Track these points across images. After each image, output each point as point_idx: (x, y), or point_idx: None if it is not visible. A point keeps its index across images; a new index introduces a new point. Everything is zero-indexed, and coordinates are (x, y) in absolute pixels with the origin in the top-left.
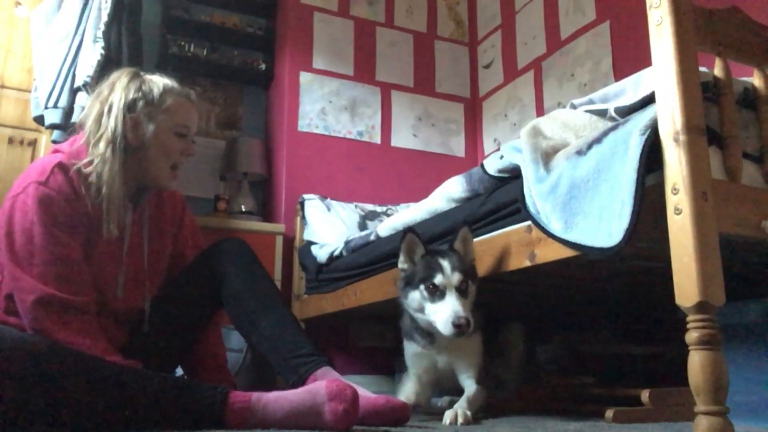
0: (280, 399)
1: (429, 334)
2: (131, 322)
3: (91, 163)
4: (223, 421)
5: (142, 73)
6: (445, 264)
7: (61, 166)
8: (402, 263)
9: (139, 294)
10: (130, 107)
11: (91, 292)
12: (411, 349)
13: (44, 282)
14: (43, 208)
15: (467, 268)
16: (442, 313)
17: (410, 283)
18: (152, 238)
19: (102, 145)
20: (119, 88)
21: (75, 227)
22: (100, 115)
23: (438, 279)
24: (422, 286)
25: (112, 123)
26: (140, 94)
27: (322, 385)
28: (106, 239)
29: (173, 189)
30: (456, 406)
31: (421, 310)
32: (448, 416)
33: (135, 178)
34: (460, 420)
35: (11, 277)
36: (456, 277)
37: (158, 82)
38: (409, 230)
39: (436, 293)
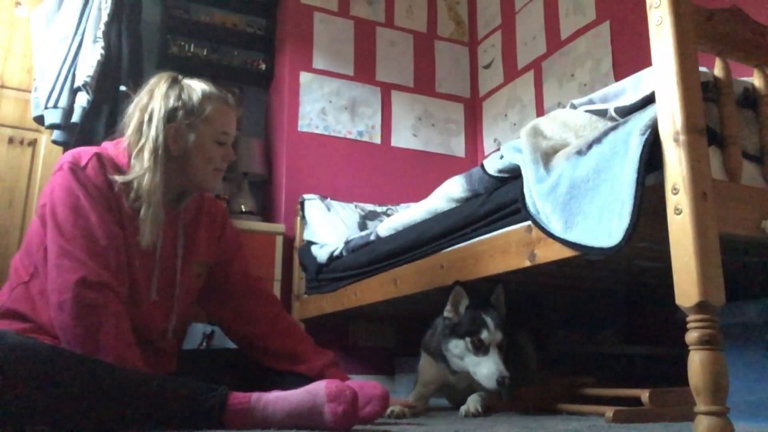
0: (280, 400)
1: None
2: (156, 333)
3: (131, 169)
4: (223, 421)
5: (180, 78)
6: (490, 321)
7: (99, 157)
8: (447, 312)
9: (169, 301)
10: (170, 117)
11: (125, 285)
12: (428, 362)
13: (89, 255)
14: (82, 185)
15: (505, 325)
16: (486, 369)
17: (455, 331)
18: (186, 245)
19: (145, 155)
20: (158, 96)
21: (110, 214)
22: (141, 124)
23: (484, 335)
24: (468, 339)
25: (153, 132)
26: (180, 102)
27: (321, 386)
28: (137, 241)
29: (216, 194)
30: (469, 400)
31: (461, 357)
32: (462, 410)
33: (177, 184)
34: (472, 412)
35: (58, 252)
36: (499, 336)
37: (197, 88)
38: (457, 283)
39: (481, 348)
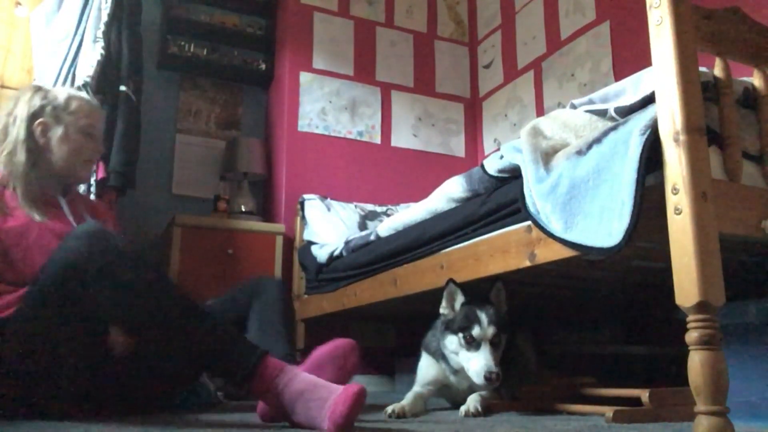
0: (307, 377)
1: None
2: None
3: (4, 169)
4: (257, 371)
5: (44, 87)
6: (483, 317)
7: None
8: (443, 308)
9: None
10: (36, 114)
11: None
12: (429, 363)
13: None
14: None
15: (501, 322)
16: (476, 364)
17: (449, 327)
18: (91, 216)
19: (8, 151)
20: (23, 100)
21: None
22: (6, 127)
23: (475, 331)
24: (461, 334)
25: (15, 132)
26: (46, 101)
27: (340, 387)
28: (47, 223)
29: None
30: (469, 399)
31: (456, 353)
32: (462, 410)
33: (52, 175)
34: (472, 412)
35: None
36: (491, 331)
37: (62, 91)
38: (451, 281)
39: (472, 343)
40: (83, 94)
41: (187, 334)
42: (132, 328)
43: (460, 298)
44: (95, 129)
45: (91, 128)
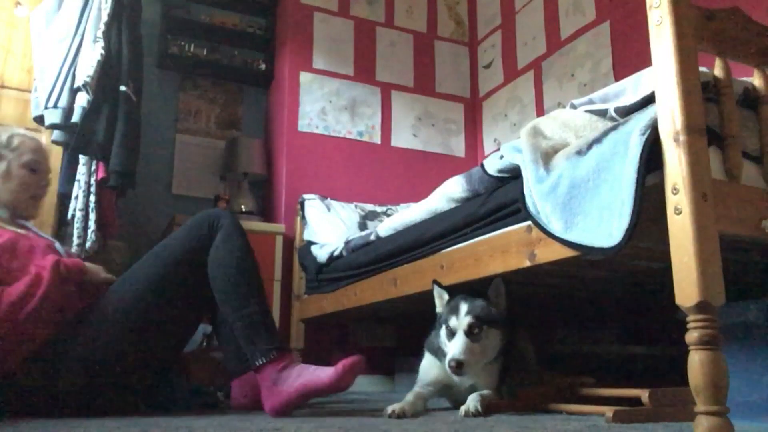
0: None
1: None
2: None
3: None
4: (279, 354)
5: None
6: (463, 307)
7: None
8: (438, 307)
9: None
10: None
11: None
12: (431, 363)
13: None
14: None
15: (485, 314)
16: (449, 352)
17: (439, 322)
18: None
19: None
20: None
21: None
22: None
23: (452, 321)
24: (443, 326)
25: None
26: None
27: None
28: (30, 236)
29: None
30: (469, 399)
31: (445, 345)
32: (462, 410)
33: (7, 210)
34: (472, 412)
35: None
36: (466, 320)
37: (8, 129)
38: (435, 282)
39: (451, 334)
40: (28, 132)
41: (258, 298)
42: (235, 293)
43: (445, 296)
44: (40, 165)
45: (35, 164)
